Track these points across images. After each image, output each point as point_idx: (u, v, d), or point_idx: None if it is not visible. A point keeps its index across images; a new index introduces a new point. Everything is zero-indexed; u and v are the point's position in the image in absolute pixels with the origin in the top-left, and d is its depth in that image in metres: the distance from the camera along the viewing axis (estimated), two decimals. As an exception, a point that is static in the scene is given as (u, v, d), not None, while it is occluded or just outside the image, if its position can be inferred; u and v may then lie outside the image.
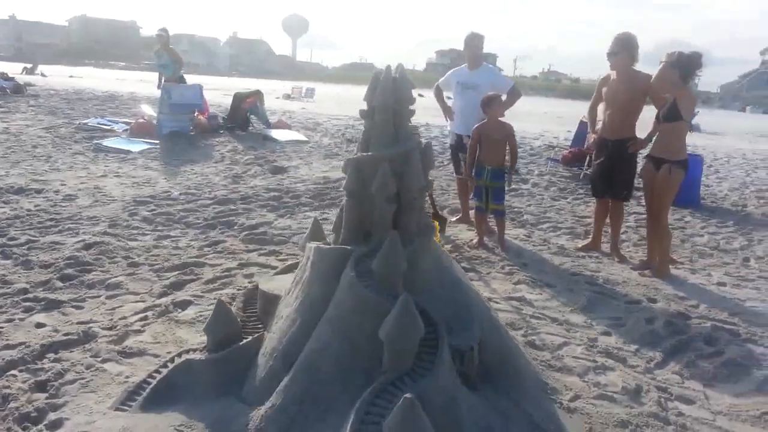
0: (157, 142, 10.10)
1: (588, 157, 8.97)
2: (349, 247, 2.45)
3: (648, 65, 5.06)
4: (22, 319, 3.33)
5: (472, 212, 5.88)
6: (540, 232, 6.05)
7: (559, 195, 8.05)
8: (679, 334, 3.61)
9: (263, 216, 5.93)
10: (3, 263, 4.18)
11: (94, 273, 4.09)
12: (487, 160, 5.17)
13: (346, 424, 1.95)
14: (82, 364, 2.84)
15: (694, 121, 4.95)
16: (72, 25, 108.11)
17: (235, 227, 5.46)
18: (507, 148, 5.20)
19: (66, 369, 2.79)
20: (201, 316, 3.45)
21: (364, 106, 2.58)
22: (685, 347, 3.44)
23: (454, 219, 6.19)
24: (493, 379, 2.50)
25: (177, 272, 4.19)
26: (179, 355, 2.67)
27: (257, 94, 12.77)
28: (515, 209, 6.92)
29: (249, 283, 3.97)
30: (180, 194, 6.62)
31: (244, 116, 12.24)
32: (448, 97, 6.30)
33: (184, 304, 3.63)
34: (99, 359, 2.91)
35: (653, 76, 4.67)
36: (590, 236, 5.54)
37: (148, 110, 12.59)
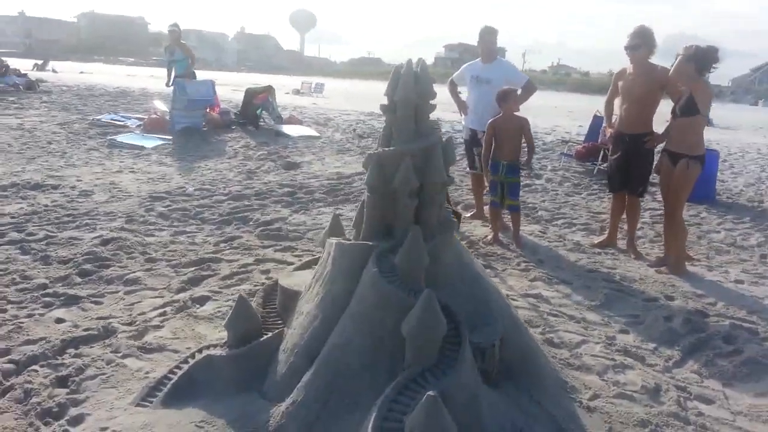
0: (171, 137, 10.15)
1: (602, 152, 8.92)
2: (371, 243, 2.43)
3: (658, 58, 5.00)
4: (42, 315, 3.36)
5: (486, 208, 5.85)
6: (555, 228, 6.01)
7: (573, 191, 7.99)
8: (697, 332, 3.58)
9: (278, 212, 5.94)
10: (22, 258, 4.22)
11: (112, 268, 4.12)
12: (503, 155, 5.14)
13: (369, 419, 1.94)
14: (102, 360, 2.87)
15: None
16: (80, 21, 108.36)
17: (251, 223, 5.48)
18: (523, 142, 5.17)
19: (86, 364, 2.82)
20: (219, 311, 3.47)
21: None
22: (703, 346, 3.41)
23: (468, 215, 6.17)
24: (514, 376, 2.49)
25: (194, 268, 4.21)
26: (199, 350, 2.67)
27: (269, 90, 12.77)
28: (529, 205, 6.88)
29: (266, 278, 3.98)
30: (195, 190, 6.64)
31: (254, 112, 12.26)
32: (459, 92, 6.27)
33: (202, 300, 3.65)
34: (119, 355, 2.93)
35: (670, 70, 4.63)
36: (606, 232, 5.50)
37: (161, 106, 12.63)
